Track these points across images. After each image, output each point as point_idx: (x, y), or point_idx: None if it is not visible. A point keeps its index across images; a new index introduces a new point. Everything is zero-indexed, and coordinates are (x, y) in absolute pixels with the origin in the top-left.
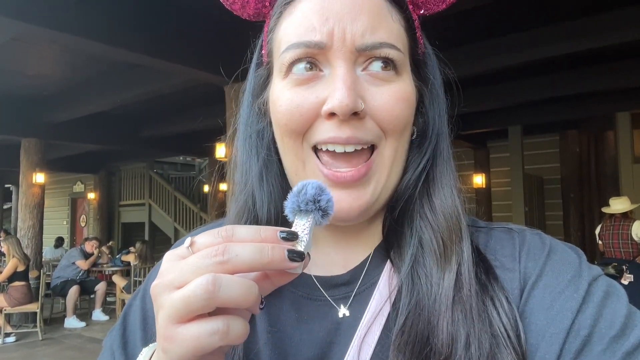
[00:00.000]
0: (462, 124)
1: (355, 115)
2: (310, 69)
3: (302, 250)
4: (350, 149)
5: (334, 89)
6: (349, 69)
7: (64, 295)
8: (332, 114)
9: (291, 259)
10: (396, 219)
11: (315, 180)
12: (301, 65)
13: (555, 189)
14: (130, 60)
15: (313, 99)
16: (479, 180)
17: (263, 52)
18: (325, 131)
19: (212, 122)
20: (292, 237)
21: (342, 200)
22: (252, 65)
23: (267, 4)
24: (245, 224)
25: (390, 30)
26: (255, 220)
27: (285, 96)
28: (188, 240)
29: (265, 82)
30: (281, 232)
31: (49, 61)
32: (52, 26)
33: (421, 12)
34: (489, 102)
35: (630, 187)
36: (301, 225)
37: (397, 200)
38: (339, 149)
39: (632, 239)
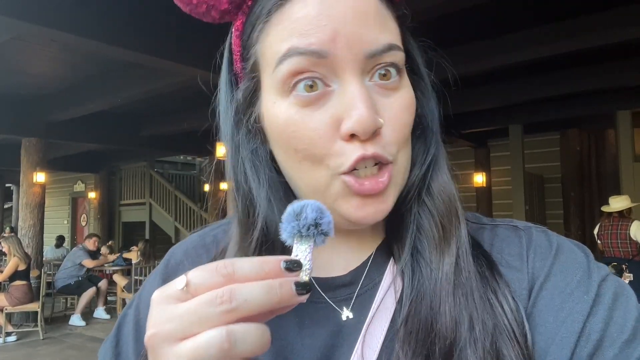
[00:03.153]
0: (463, 123)
1: (374, 132)
2: (312, 87)
3: (307, 280)
4: (370, 163)
5: (350, 108)
6: (361, 82)
7: (79, 294)
8: (352, 135)
9: (300, 294)
10: (400, 213)
11: (312, 201)
12: (302, 86)
13: (555, 187)
14: (130, 59)
15: (327, 119)
16: (479, 179)
17: (237, 65)
18: (350, 153)
19: (213, 121)
20: (297, 266)
21: (369, 205)
22: (225, 80)
23: None
24: (263, 251)
25: (392, 30)
26: (272, 247)
27: (296, 119)
28: (182, 280)
29: (252, 99)
30: (284, 262)
31: (49, 60)
32: (51, 25)
33: None
34: (489, 101)
35: (631, 185)
36: (303, 251)
37: (405, 195)
38: (362, 166)
39: (630, 238)
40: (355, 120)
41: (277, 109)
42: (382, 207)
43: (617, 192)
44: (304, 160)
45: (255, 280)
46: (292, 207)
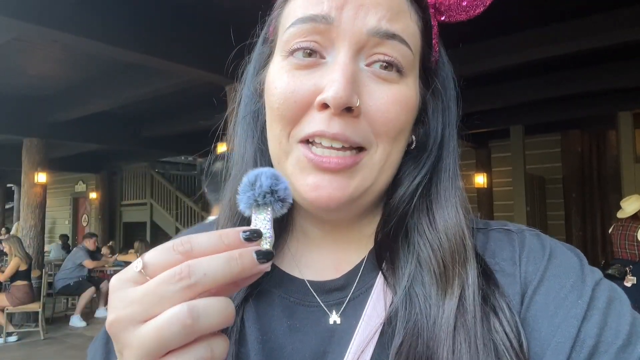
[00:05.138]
0: (464, 124)
1: (348, 111)
2: (310, 55)
3: (269, 248)
4: (337, 145)
5: (331, 79)
6: (351, 58)
7: (79, 294)
8: (324, 105)
9: (261, 262)
10: (390, 233)
11: (267, 169)
12: (300, 53)
13: (557, 188)
14: (131, 59)
15: (310, 86)
16: (480, 180)
17: (270, 29)
18: (315, 124)
19: (214, 122)
20: (257, 236)
21: (323, 188)
22: (259, 42)
23: None
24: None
25: (406, 27)
26: None
27: (282, 79)
28: (139, 262)
29: (266, 61)
30: (243, 232)
31: (51, 61)
32: (52, 25)
33: (442, 18)
34: (491, 102)
35: (632, 186)
36: (261, 220)
37: (390, 214)
38: (326, 142)
39: (637, 240)
40: (329, 90)
41: (274, 67)
42: (337, 194)
43: (618, 193)
44: (274, 122)
45: (215, 254)
46: (247, 177)
